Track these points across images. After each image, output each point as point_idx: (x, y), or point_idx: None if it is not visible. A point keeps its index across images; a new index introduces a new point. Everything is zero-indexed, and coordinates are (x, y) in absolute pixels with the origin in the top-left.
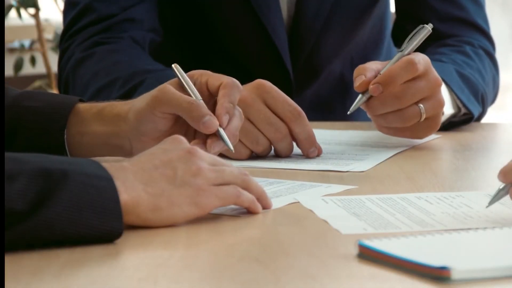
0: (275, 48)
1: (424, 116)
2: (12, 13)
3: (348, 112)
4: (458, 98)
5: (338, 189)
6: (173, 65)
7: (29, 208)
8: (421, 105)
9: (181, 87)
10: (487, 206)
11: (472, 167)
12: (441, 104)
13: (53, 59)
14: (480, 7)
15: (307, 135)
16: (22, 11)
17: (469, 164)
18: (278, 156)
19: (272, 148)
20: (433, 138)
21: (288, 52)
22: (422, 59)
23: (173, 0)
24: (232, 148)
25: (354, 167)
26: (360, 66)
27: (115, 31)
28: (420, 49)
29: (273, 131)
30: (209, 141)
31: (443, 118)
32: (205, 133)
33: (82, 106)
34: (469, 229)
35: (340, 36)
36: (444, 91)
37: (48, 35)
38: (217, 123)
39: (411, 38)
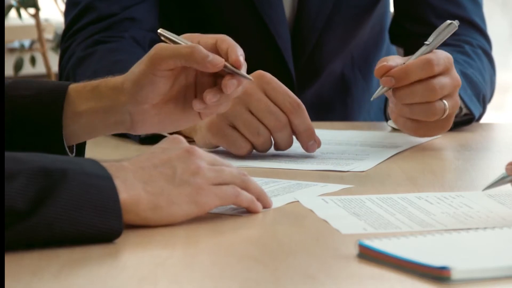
0: (277, 48)
1: (447, 113)
2: (12, 13)
3: (371, 99)
4: (461, 98)
5: (334, 188)
6: (159, 30)
7: (29, 207)
8: (445, 102)
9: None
10: (483, 190)
11: (472, 167)
12: (457, 104)
13: (53, 59)
14: (478, 5)
15: (306, 127)
16: (22, 11)
17: (469, 164)
18: (277, 149)
19: (272, 144)
20: (433, 138)
21: (290, 52)
22: (443, 59)
23: (175, 1)
24: (250, 77)
25: (354, 167)
26: (384, 58)
27: (115, 30)
28: (417, 45)
29: (274, 119)
30: (223, 82)
31: None
32: (208, 74)
33: (74, 87)
34: (469, 229)
35: (341, 35)
36: None
37: (48, 35)
38: (222, 59)
39: (439, 33)
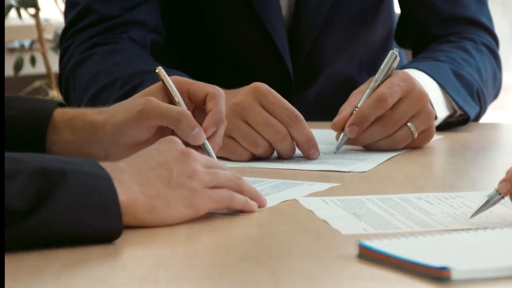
0: (275, 47)
1: (416, 134)
2: (12, 13)
3: (335, 152)
4: (454, 100)
5: (322, 187)
6: (157, 69)
7: (29, 207)
8: (411, 124)
9: (165, 92)
10: (471, 217)
11: (472, 167)
12: (431, 116)
13: (53, 59)
14: (483, 4)
15: (306, 138)
16: (22, 11)
17: (469, 164)
18: (280, 158)
19: (275, 151)
20: (434, 139)
21: (288, 51)
22: (398, 84)
23: (173, 0)
24: (215, 158)
25: (355, 168)
26: (342, 106)
27: (115, 32)
28: (423, 48)
29: (272, 132)
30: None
31: (439, 121)
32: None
33: (56, 113)
34: (469, 229)
35: (341, 35)
36: (438, 93)
37: (48, 35)
38: (205, 136)
39: (385, 65)
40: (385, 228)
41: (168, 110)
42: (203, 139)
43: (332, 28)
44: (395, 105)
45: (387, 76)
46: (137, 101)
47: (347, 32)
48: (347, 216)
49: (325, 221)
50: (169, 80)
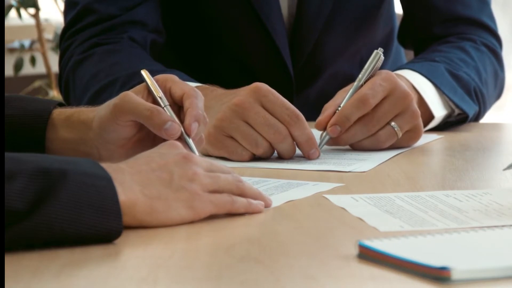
0: (276, 47)
1: (400, 134)
2: (12, 13)
3: (319, 148)
4: (451, 99)
5: (326, 187)
6: (141, 71)
7: (29, 207)
8: (394, 124)
9: (149, 91)
10: (504, 169)
11: (472, 167)
12: (415, 115)
13: (53, 59)
14: (485, 4)
15: (306, 138)
16: (22, 11)
17: (469, 164)
18: (281, 158)
19: (275, 150)
20: (434, 138)
21: (288, 50)
22: (380, 85)
23: (173, 0)
24: (197, 153)
25: (356, 167)
26: (326, 105)
27: (115, 32)
28: (425, 48)
29: (273, 132)
30: None
31: (437, 120)
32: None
33: (55, 112)
34: (469, 229)
35: (343, 35)
36: (433, 93)
37: (48, 35)
38: (179, 128)
39: (369, 65)
40: (422, 225)
41: (139, 106)
42: (177, 131)
43: (333, 28)
44: (377, 104)
45: (371, 76)
46: (116, 96)
47: (348, 31)
48: (381, 214)
49: (361, 219)
50: (152, 80)
